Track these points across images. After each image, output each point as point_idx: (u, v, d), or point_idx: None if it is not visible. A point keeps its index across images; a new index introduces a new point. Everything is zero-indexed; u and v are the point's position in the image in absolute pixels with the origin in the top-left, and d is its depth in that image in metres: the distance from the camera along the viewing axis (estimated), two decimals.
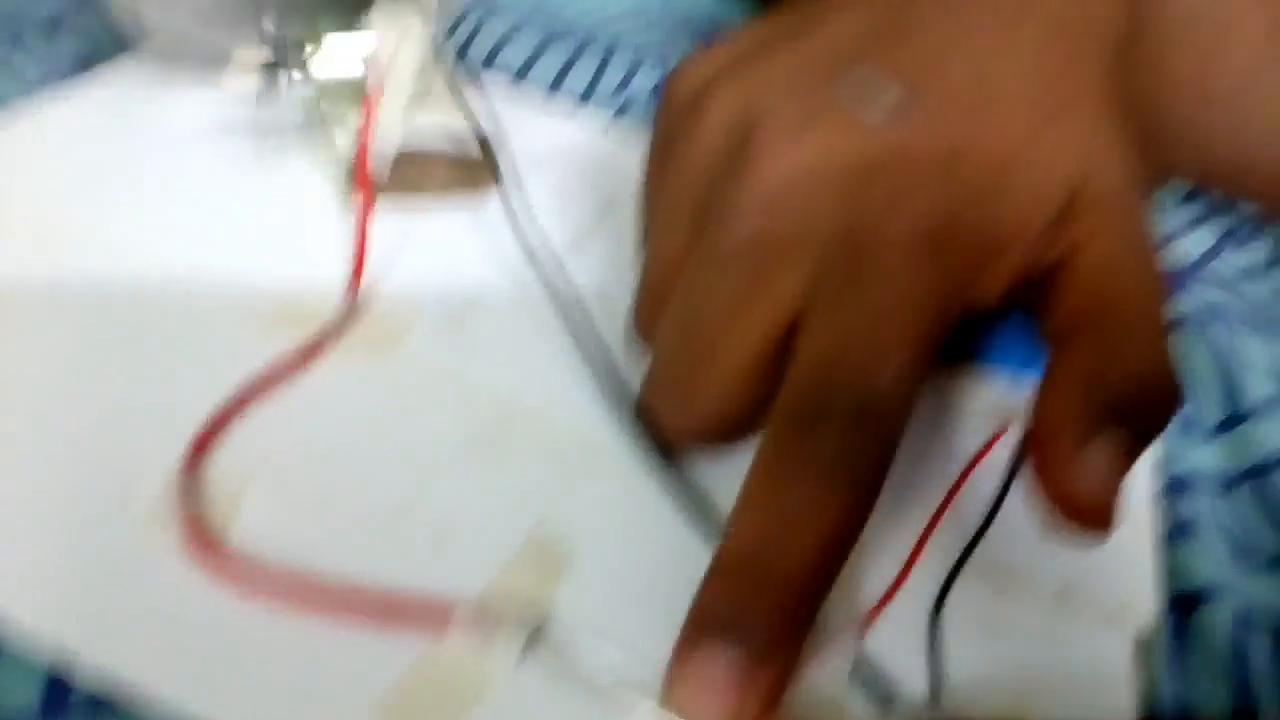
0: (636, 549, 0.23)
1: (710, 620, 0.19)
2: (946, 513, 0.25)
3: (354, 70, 0.31)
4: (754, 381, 0.23)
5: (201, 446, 0.23)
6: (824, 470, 0.20)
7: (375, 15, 0.32)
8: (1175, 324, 0.22)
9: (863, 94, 0.24)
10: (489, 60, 0.40)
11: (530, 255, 0.28)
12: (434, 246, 0.31)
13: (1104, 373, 0.21)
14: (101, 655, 0.19)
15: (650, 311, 0.26)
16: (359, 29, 0.32)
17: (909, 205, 0.22)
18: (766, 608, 0.19)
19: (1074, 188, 0.23)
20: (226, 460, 0.23)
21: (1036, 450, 0.21)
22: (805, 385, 0.21)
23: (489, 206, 0.33)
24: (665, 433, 0.25)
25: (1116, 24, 0.27)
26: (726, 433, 0.24)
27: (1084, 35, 0.26)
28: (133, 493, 0.22)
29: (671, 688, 0.19)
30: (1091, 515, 0.20)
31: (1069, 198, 0.23)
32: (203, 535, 0.21)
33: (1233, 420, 0.30)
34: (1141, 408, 0.21)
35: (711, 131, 0.25)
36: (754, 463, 0.21)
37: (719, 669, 0.19)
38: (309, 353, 0.26)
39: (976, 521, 0.24)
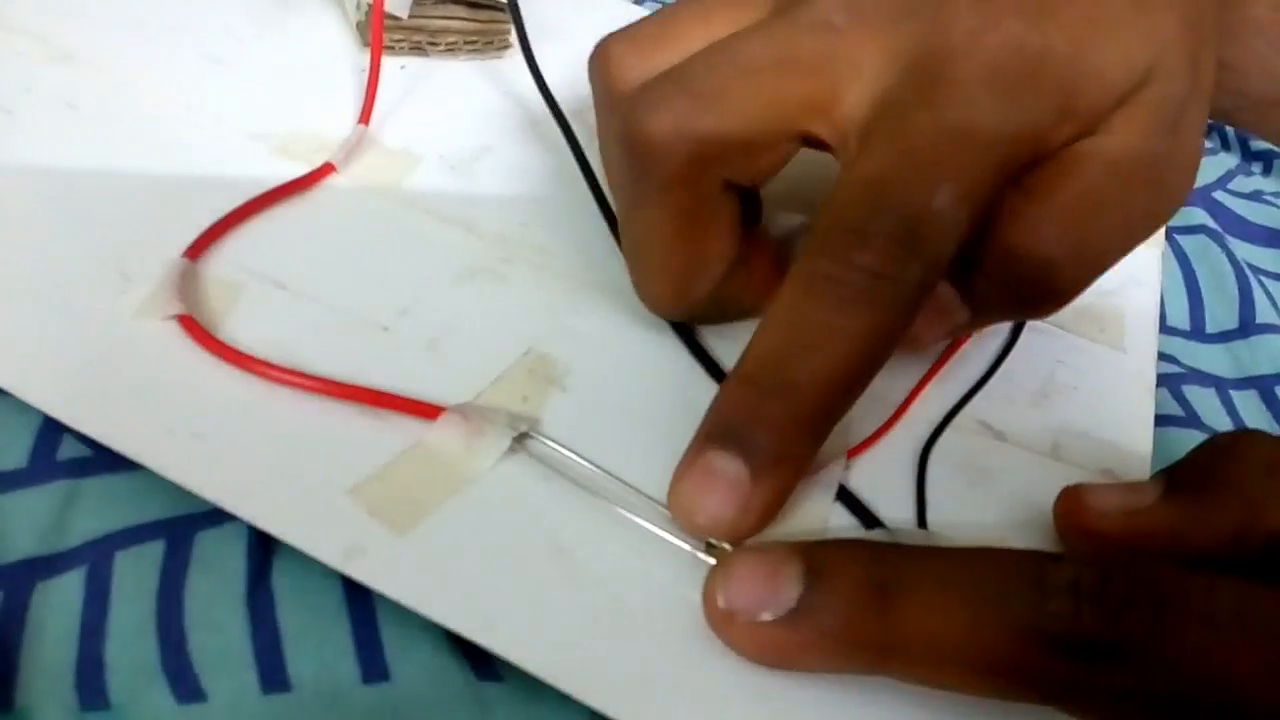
0: (628, 374, 0.23)
1: (719, 430, 0.19)
2: (947, 366, 0.24)
3: None
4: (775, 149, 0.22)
5: (205, 242, 0.23)
6: (858, 290, 0.18)
7: None
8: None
9: None
10: None
11: (547, 103, 0.28)
12: (447, 96, 0.31)
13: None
14: (93, 423, 0.19)
15: None
16: None
17: (999, 32, 0.20)
18: (776, 422, 0.18)
19: (1139, 80, 0.20)
20: (228, 259, 0.23)
21: None
22: (854, 200, 0.19)
23: (504, 63, 0.33)
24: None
25: None
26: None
27: None
28: (135, 279, 0.22)
29: (673, 493, 0.19)
30: None
31: (1134, 85, 0.20)
32: (198, 321, 0.21)
33: (1242, 330, 0.30)
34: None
35: None
36: (788, 275, 0.19)
37: (721, 480, 0.18)
38: (315, 176, 0.26)
39: (975, 378, 0.24)
